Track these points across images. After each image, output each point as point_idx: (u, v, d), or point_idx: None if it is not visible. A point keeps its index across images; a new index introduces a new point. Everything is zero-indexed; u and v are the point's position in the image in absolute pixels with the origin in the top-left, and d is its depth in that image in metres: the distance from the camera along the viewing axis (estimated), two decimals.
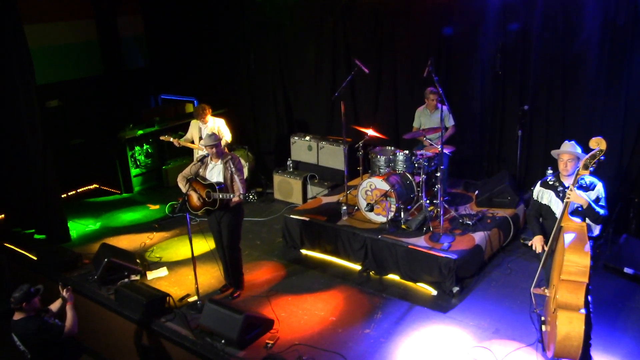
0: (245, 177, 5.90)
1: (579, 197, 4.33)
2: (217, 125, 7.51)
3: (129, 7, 10.62)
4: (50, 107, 9.33)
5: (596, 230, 4.55)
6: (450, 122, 7.08)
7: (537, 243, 4.72)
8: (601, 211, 4.39)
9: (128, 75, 10.65)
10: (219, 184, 5.57)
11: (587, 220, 4.44)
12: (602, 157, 4.19)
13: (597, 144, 4.18)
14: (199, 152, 7.64)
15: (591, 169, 4.23)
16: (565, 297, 4.12)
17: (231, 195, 5.47)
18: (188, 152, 8.27)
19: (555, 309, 4.17)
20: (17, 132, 7.45)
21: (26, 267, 7.28)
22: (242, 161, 8.62)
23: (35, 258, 7.21)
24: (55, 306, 5.02)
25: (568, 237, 4.18)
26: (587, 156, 4.22)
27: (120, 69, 10.53)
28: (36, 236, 7.92)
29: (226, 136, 7.48)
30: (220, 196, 5.49)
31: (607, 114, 6.66)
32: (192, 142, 7.71)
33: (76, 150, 9.64)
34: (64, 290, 4.91)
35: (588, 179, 4.48)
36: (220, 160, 5.68)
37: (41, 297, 4.72)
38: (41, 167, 7.47)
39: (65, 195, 9.16)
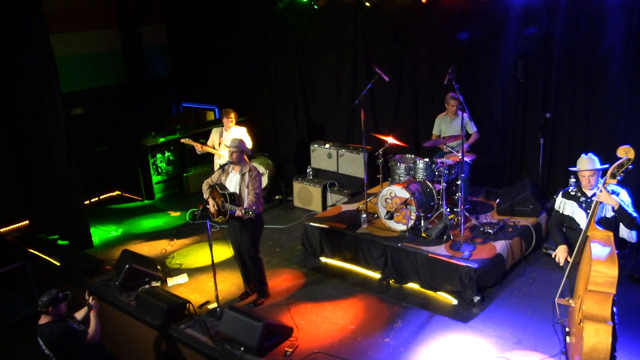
0: (264, 185, 5.88)
1: (610, 198, 4.19)
2: (239, 134, 7.56)
3: (152, 16, 10.80)
4: (75, 114, 9.50)
5: (632, 239, 4.38)
6: (472, 128, 7.04)
7: (560, 254, 4.60)
8: (634, 213, 4.27)
9: (151, 83, 10.81)
10: (232, 194, 5.59)
11: (621, 226, 4.32)
12: (631, 166, 4.08)
13: (626, 152, 4.09)
14: (220, 159, 7.71)
15: (619, 178, 4.12)
16: (591, 308, 4.03)
17: (236, 209, 5.49)
18: (209, 160, 8.33)
19: (581, 320, 4.09)
20: (43, 139, 7.59)
21: (50, 272, 7.40)
22: (262, 169, 8.70)
23: (58, 264, 7.33)
24: (80, 314, 5.10)
25: (595, 247, 4.09)
26: (615, 165, 4.12)
27: (143, 78, 10.69)
28: (60, 242, 8.05)
29: (247, 144, 7.53)
30: (229, 207, 5.53)
31: (632, 121, 6.54)
32: (214, 148, 7.77)
33: (99, 157, 9.78)
34: (90, 298, 4.98)
35: (611, 187, 4.37)
36: (239, 170, 5.71)
37: (67, 303, 4.79)
38: (65, 174, 7.58)
39: (88, 201, 9.30)
